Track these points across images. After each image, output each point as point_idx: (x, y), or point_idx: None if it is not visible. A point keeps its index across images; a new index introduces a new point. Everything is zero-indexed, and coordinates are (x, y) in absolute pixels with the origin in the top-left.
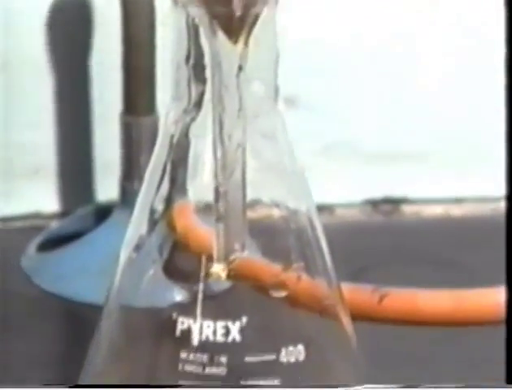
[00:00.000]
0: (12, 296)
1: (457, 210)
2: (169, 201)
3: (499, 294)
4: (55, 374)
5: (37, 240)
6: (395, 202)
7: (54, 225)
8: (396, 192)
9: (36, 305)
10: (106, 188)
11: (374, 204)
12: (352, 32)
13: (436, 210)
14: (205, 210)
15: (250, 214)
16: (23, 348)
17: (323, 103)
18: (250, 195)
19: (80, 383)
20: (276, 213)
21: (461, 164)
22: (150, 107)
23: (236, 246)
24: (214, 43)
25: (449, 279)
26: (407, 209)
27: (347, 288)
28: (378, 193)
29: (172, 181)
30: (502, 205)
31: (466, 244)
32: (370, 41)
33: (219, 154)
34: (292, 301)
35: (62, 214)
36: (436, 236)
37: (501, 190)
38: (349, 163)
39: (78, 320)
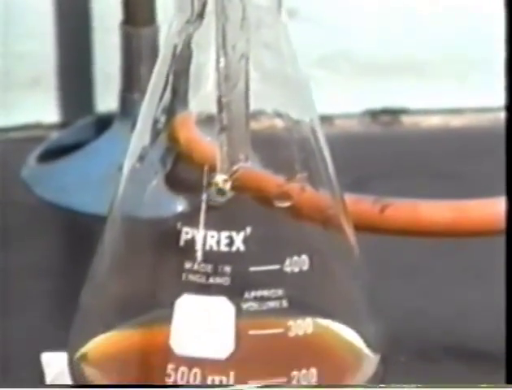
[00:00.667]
0: (13, 207)
1: (456, 121)
2: (171, 113)
3: (500, 205)
4: (56, 285)
5: (38, 150)
6: (394, 113)
7: (55, 136)
8: (395, 102)
9: (37, 216)
10: (106, 98)
11: (373, 115)
12: None
13: (436, 121)
14: (207, 121)
15: (253, 124)
16: (24, 259)
17: (323, 14)
18: (253, 106)
19: (84, 293)
20: (279, 123)
21: (461, 75)
22: (150, 18)
23: (240, 157)
24: None
25: (449, 189)
26: (406, 120)
27: (348, 198)
28: (377, 104)
29: (174, 92)
30: (502, 116)
31: (466, 155)
32: None
33: (222, 65)
34: (296, 211)
35: (63, 125)
36: (435, 146)
37: (500, 100)
38: (348, 74)
39: (79, 230)
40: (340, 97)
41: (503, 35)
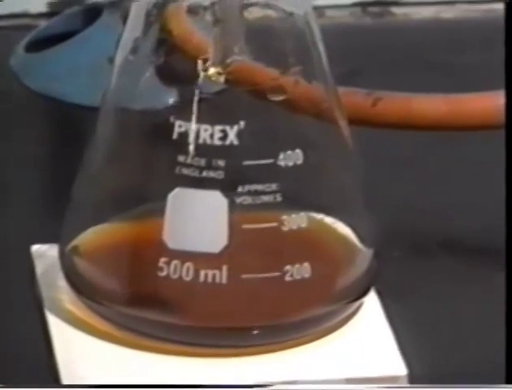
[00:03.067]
0: (0, 97)
1: (448, 13)
2: (163, 4)
3: (495, 98)
4: (44, 175)
5: (26, 40)
6: (385, 4)
7: (43, 25)
8: None
9: (25, 105)
10: None
11: (364, 6)
12: None
13: (427, 13)
14: (199, 12)
15: (246, 16)
16: (12, 148)
17: None
18: None
19: (76, 186)
20: (273, 15)
21: None
22: None
23: (233, 50)
24: None
25: (441, 81)
26: (397, 11)
27: (341, 91)
28: None
29: None
30: (495, 7)
31: (458, 47)
32: None
33: None
34: (290, 105)
35: (51, 14)
36: (426, 38)
37: None
38: None
39: (67, 120)
40: None
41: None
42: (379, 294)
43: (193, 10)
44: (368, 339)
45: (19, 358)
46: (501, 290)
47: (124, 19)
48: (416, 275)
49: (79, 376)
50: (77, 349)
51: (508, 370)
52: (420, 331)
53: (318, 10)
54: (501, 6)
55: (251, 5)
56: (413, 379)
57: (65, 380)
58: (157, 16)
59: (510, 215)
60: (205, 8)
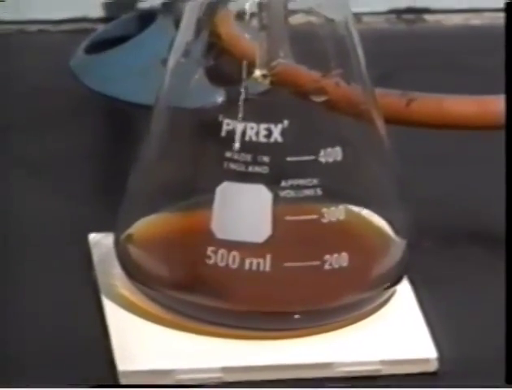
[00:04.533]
0: (61, 94)
1: (476, 20)
2: (213, 10)
3: None
4: (101, 168)
5: (85, 42)
6: (418, 12)
7: (100, 29)
8: (418, 2)
9: (84, 103)
10: None
11: (398, 13)
12: None
13: (457, 20)
14: (245, 19)
15: (290, 22)
16: (72, 142)
17: None
18: (291, 5)
19: (131, 179)
20: (315, 21)
21: None
22: None
23: (278, 53)
24: None
25: (471, 83)
26: (429, 18)
27: (377, 92)
28: (402, 3)
29: None
30: None
31: (486, 52)
32: None
33: None
34: (331, 105)
35: (108, 19)
36: (457, 43)
37: None
38: None
39: (122, 117)
40: None
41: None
42: (412, 283)
43: (240, 17)
44: (401, 324)
45: (77, 340)
46: None
47: (177, 23)
48: (447, 265)
49: (132, 357)
50: (130, 332)
51: (508, 370)
52: (450, 317)
53: (356, 16)
54: None
55: (295, 12)
56: (443, 362)
57: (119, 361)
58: (207, 21)
59: (510, 214)
60: (252, 14)
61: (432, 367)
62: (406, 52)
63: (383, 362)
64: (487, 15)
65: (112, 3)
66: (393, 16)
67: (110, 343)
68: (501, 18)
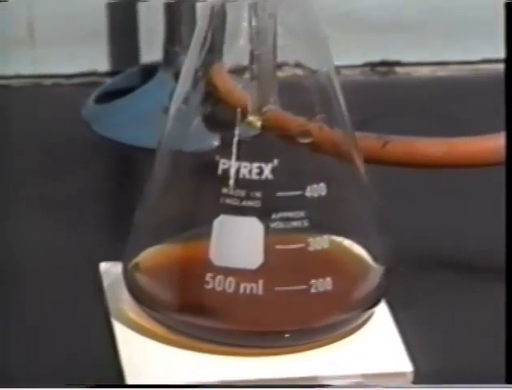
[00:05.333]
0: (74, 141)
1: (442, 71)
2: (209, 63)
3: (485, 141)
4: (111, 206)
5: (94, 94)
6: (390, 65)
7: (108, 82)
8: (391, 56)
9: (95, 148)
10: (151, 51)
11: (372, 66)
12: None
13: (425, 71)
14: (238, 71)
15: (279, 73)
16: (84, 184)
17: None
18: (279, 58)
19: (137, 214)
20: (301, 73)
21: (446, 33)
22: None
23: (268, 101)
24: None
25: (437, 128)
26: (400, 70)
27: (356, 135)
28: (376, 57)
29: (212, 46)
30: (480, 67)
31: (450, 100)
32: None
33: (254, 23)
34: (315, 146)
35: (114, 73)
36: (425, 92)
37: (478, 55)
38: (353, 32)
39: (129, 160)
40: (345, 51)
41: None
42: (390, 305)
43: (233, 70)
44: (379, 341)
45: (90, 360)
46: (498, 299)
47: (176, 76)
48: (420, 289)
49: (139, 373)
50: (138, 351)
51: (508, 370)
52: (424, 335)
53: (335, 69)
54: (485, 66)
55: (283, 65)
56: (418, 376)
57: (129, 378)
58: (203, 74)
59: (510, 222)
60: (244, 67)
61: (408, 380)
62: (380, 100)
63: (364, 376)
64: (451, 67)
65: (118, 59)
66: (368, 69)
67: (119, 360)
68: (463, 70)
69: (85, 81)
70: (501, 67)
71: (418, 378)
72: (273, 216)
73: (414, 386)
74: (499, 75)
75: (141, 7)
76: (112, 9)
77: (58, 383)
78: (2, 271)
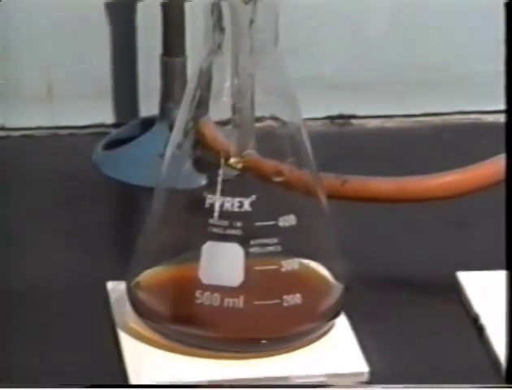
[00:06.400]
0: (87, 181)
1: (390, 123)
2: (198, 116)
3: (429, 180)
4: (118, 235)
5: (103, 142)
6: (346, 118)
7: (114, 132)
8: (347, 111)
9: (104, 187)
10: (149, 107)
11: (331, 118)
12: None
13: (376, 123)
14: (222, 123)
15: (257, 124)
16: (95, 217)
17: (300, 47)
18: (257, 112)
19: (139, 241)
20: (275, 124)
21: (394, 92)
22: (181, 51)
23: (247, 146)
24: (232, 3)
25: (387, 169)
26: (355, 122)
27: (321, 175)
28: (335, 112)
29: (200, 103)
30: (422, 119)
31: (398, 147)
32: None
33: (235, 82)
34: (287, 184)
35: (118, 125)
36: (376, 140)
37: (421, 110)
38: (316, 90)
39: (132, 197)
40: (310, 107)
41: (423, 61)
42: (349, 316)
43: (218, 121)
44: (340, 347)
45: (98, 364)
46: (439, 312)
47: (170, 127)
48: (377, 303)
49: (141, 374)
50: (140, 356)
51: (508, 370)
52: (379, 342)
53: (303, 121)
54: (426, 119)
55: (260, 117)
56: (373, 375)
57: (131, 377)
58: (193, 125)
59: (510, 223)
60: (227, 119)
61: (364, 378)
62: (339, 147)
63: (327, 375)
64: (397, 119)
65: (121, 113)
66: (328, 121)
67: (124, 363)
68: (407, 122)
69: (95, 132)
70: (438, 119)
71: (374, 377)
72: (252, 242)
73: (414, 386)
74: (437, 127)
75: (141, 70)
76: (116, 71)
77: (70, 383)
78: (26, 288)
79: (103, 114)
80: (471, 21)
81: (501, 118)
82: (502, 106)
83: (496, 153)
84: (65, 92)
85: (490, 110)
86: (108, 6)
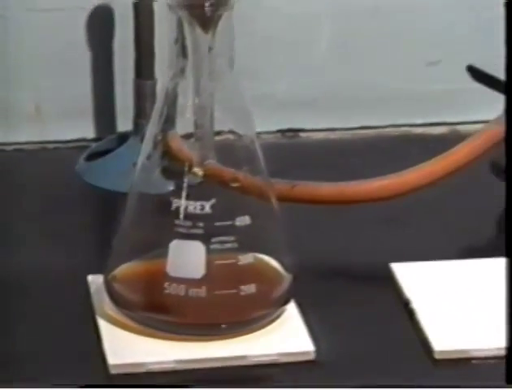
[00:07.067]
0: (70, 189)
1: (334, 135)
2: (165, 130)
3: (369, 183)
4: (97, 235)
5: (85, 154)
6: (295, 131)
7: (94, 145)
8: (295, 125)
9: (86, 193)
10: (125, 123)
11: (282, 132)
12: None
13: (321, 135)
14: (186, 136)
15: (216, 137)
16: (77, 219)
17: (254, 70)
18: (216, 126)
19: (114, 240)
20: (232, 137)
21: (334, 107)
22: (151, 75)
23: (208, 156)
24: (193, 32)
25: (333, 176)
26: (303, 135)
27: (272, 181)
28: (284, 126)
29: (167, 119)
30: (361, 132)
31: (341, 155)
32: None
33: (197, 101)
34: (242, 189)
35: (99, 139)
36: (321, 151)
37: (358, 123)
38: (268, 107)
39: (110, 201)
40: (263, 121)
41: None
42: (298, 303)
43: (183, 135)
44: (290, 329)
45: (79, 347)
46: (380, 299)
47: (142, 140)
48: (323, 292)
49: (117, 355)
50: (116, 339)
51: (508, 370)
52: (324, 324)
53: (257, 134)
54: (363, 131)
55: (219, 131)
56: (319, 354)
57: (109, 357)
58: (161, 138)
59: (511, 322)
60: (191, 133)
61: (311, 356)
62: (289, 157)
63: (279, 354)
64: (338, 132)
65: (100, 129)
66: (279, 134)
67: (102, 345)
68: (348, 134)
69: (78, 145)
70: (373, 131)
71: (319, 355)
72: (212, 240)
73: (412, 386)
74: (373, 138)
75: (117, 91)
76: (96, 92)
77: (56, 363)
78: (16, 282)
79: (85, 129)
80: (399, 47)
81: (428, 130)
82: (429, 120)
83: (424, 160)
84: (51, 111)
85: (418, 123)
86: (89, 33)
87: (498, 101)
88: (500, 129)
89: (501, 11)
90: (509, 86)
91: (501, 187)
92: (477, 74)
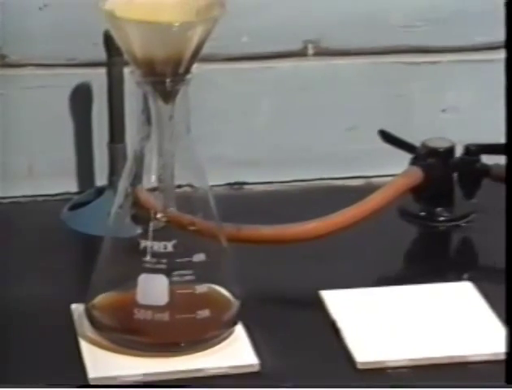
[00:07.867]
0: (56, 234)
1: (272, 188)
2: (134, 185)
3: (304, 225)
4: (79, 271)
5: (69, 204)
6: (240, 184)
7: (76, 198)
8: (241, 179)
9: (69, 237)
10: (101, 180)
11: (230, 185)
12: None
13: (261, 188)
14: (151, 189)
15: (176, 190)
16: (63, 259)
17: (207, 134)
18: (176, 181)
19: (93, 275)
20: (189, 189)
21: (274, 162)
22: (122, 139)
23: (170, 206)
24: (157, 103)
25: (275, 220)
26: (247, 187)
27: (223, 224)
28: (232, 180)
29: (136, 175)
30: (295, 184)
31: (279, 206)
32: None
33: (160, 160)
34: (198, 232)
35: (80, 192)
36: (262, 201)
37: (292, 177)
38: (218, 165)
39: (90, 243)
40: (215, 176)
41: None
42: (246, 325)
43: (149, 188)
44: (238, 346)
45: (63, 363)
46: (309, 321)
47: (115, 193)
48: (264, 316)
49: (96, 370)
50: (95, 356)
51: (508, 370)
52: (269, 342)
53: (210, 186)
54: (296, 183)
55: (179, 184)
56: (263, 368)
57: (89, 372)
58: (131, 191)
59: (510, 322)
60: (156, 187)
61: (256, 369)
62: (235, 205)
63: (230, 367)
64: (276, 185)
65: (81, 185)
66: (228, 187)
67: (83, 362)
68: (285, 186)
69: (63, 198)
70: (305, 183)
71: (263, 368)
72: (174, 273)
73: (408, 386)
74: (305, 189)
75: (95, 153)
76: (78, 154)
77: (42, 378)
78: (11, 311)
79: (69, 185)
80: (324, 116)
81: (348, 182)
82: (349, 174)
83: (345, 206)
84: (41, 170)
85: (340, 176)
86: (72, 107)
87: (405, 158)
88: (406, 181)
89: (411, 86)
90: (509, 89)
91: (407, 228)
92: (387, 137)
